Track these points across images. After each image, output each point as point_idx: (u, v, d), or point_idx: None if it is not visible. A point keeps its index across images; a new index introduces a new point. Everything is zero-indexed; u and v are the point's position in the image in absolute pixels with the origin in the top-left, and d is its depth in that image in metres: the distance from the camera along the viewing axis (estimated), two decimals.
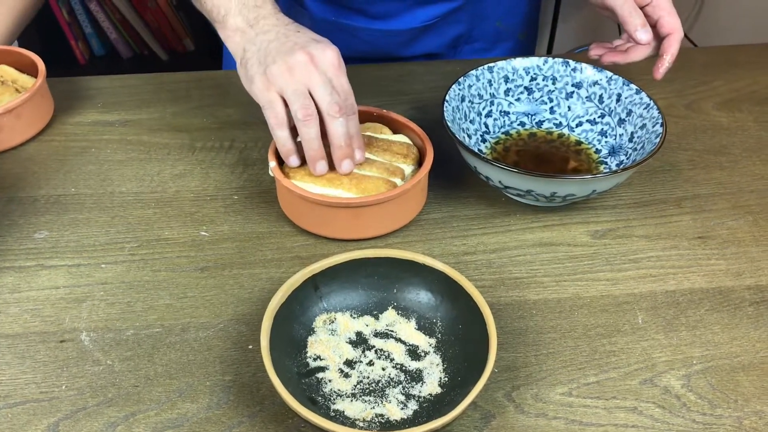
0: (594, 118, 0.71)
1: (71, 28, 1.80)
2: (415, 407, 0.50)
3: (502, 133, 0.72)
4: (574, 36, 2.17)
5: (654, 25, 0.65)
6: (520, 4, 0.92)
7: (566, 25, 2.13)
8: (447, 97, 0.66)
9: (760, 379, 0.52)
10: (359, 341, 0.54)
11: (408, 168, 0.65)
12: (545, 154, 0.70)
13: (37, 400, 0.51)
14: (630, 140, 0.67)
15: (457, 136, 0.63)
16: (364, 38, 0.88)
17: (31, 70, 0.78)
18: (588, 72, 0.71)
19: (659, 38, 0.66)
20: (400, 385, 0.51)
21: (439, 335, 0.54)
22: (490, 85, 0.71)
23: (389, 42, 0.88)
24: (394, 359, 0.53)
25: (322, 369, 0.52)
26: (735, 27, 2.08)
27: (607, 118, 0.70)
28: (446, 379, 0.51)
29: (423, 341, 0.54)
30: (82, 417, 0.50)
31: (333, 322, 0.55)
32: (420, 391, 0.51)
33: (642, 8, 0.65)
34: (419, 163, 0.66)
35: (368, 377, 0.52)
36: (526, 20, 0.94)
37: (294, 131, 0.60)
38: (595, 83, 0.71)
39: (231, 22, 0.62)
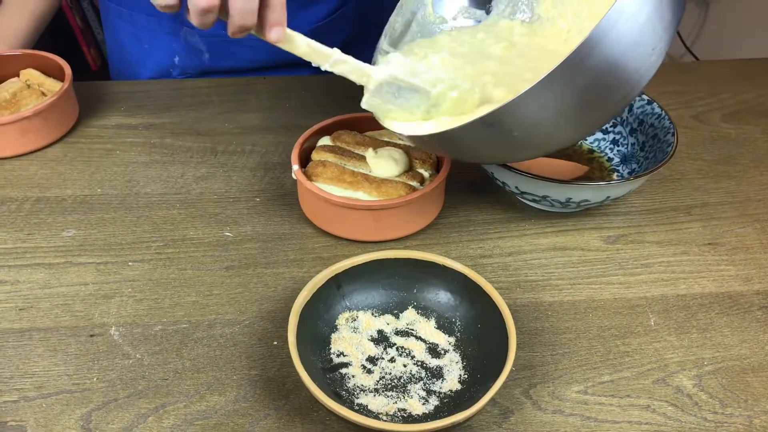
0: (606, 127, 0.73)
1: (84, 35, 1.82)
2: (436, 402, 0.52)
3: None
4: None
5: None
6: None
7: None
8: None
9: None
10: (381, 339, 0.56)
11: (426, 173, 0.67)
12: (558, 162, 0.72)
13: (69, 392, 0.52)
14: (642, 149, 0.69)
15: None
16: (254, 47, 0.90)
17: (56, 74, 0.80)
18: None
19: None
20: (421, 381, 0.53)
21: (459, 334, 0.56)
22: None
23: (279, 49, 0.89)
24: (414, 356, 0.55)
25: (346, 365, 0.54)
26: (738, 41, 2.11)
27: (619, 128, 0.72)
28: (466, 376, 0.53)
29: (443, 340, 0.56)
30: (114, 408, 0.51)
31: (355, 320, 0.57)
32: (440, 387, 0.52)
33: None
34: (437, 168, 0.68)
35: (390, 373, 0.53)
36: None
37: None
38: None
39: None
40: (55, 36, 1.81)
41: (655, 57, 0.49)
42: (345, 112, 0.71)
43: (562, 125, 0.51)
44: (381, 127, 0.71)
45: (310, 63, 0.95)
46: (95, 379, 0.53)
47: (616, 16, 0.45)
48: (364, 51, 0.96)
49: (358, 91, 0.84)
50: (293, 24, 0.90)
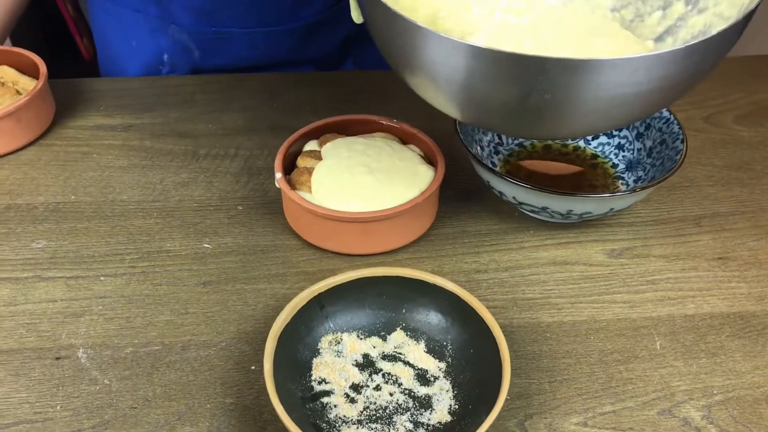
0: (611, 131, 0.69)
1: (76, 24, 1.78)
2: None
3: (516, 144, 0.70)
4: None
5: None
6: None
7: None
8: None
9: None
10: (366, 364, 0.52)
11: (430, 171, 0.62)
12: (560, 168, 0.68)
13: (30, 421, 0.49)
14: (649, 155, 0.65)
15: (469, 148, 0.61)
16: (247, 45, 0.86)
17: (32, 72, 0.76)
18: None
19: None
20: (408, 412, 0.49)
21: (450, 359, 0.52)
22: None
23: (274, 46, 0.86)
24: (402, 384, 0.51)
25: (328, 393, 0.50)
26: (756, 36, 2.05)
27: (624, 132, 0.68)
28: (456, 406, 0.49)
29: (433, 365, 0.52)
30: None
31: (339, 342, 0.53)
32: (429, 419, 0.49)
33: None
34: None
35: (375, 403, 0.50)
36: None
37: None
38: None
39: None
40: (46, 26, 1.76)
41: None
42: (335, 112, 0.67)
43: (620, 109, 0.46)
44: (372, 130, 0.68)
45: (305, 61, 0.91)
46: (59, 407, 0.50)
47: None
48: (367, 48, 0.92)
49: (349, 90, 0.80)
50: (291, 19, 0.86)
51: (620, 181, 0.66)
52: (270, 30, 0.86)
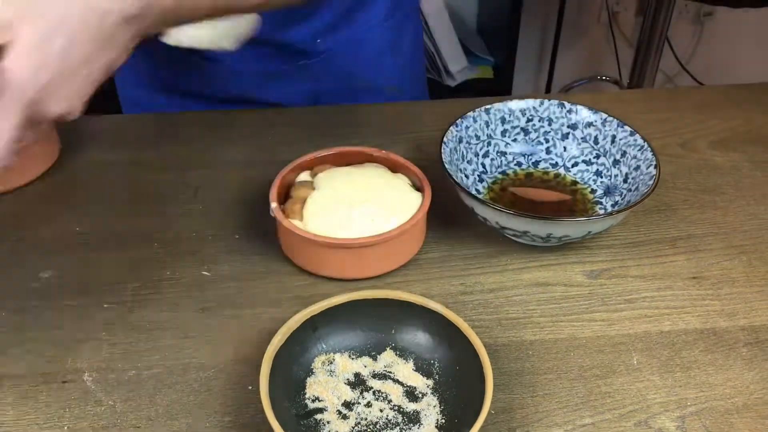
0: (589, 159, 0.72)
1: None
2: None
3: (499, 173, 0.73)
4: (573, 69, 2.20)
5: None
6: (384, 58, 0.91)
7: (565, 58, 2.15)
8: (444, 139, 0.68)
9: (754, 421, 0.53)
10: (357, 382, 0.55)
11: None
12: (542, 194, 0.72)
13: None
14: (625, 181, 0.69)
15: (454, 177, 0.64)
16: (216, 76, 0.88)
17: None
18: (583, 113, 0.72)
19: None
20: (398, 427, 0.52)
21: (437, 377, 0.55)
22: (487, 126, 0.72)
23: (240, 83, 0.89)
24: (391, 401, 0.54)
25: (321, 410, 0.53)
26: (734, 58, 2.11)
27: (602, 159, 0.72)
28: (443, 421, 0.52)
29: (421, 382, 0.55)
30: None
31: (332, 363, 0.56)
32: None
33: None
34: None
35: (366, 419, 0.52)
36: (397, 73, 0.93)
37: None
38: (590, 124, 0.72)
39: None
40: None
41: None
42: (328, 145, 0.71)
43: None
44: (363, 161, 0.71)
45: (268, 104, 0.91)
46: (66, 428, 0.52)
47: None
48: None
49: (341, 124, 0.84)
50: (254, 63, 0.87)
51: (599, 206, 0.70)
52: (237, 69, 0.87)
